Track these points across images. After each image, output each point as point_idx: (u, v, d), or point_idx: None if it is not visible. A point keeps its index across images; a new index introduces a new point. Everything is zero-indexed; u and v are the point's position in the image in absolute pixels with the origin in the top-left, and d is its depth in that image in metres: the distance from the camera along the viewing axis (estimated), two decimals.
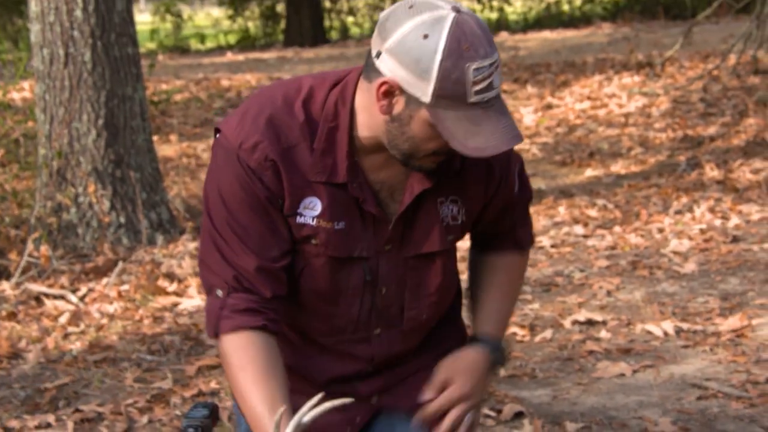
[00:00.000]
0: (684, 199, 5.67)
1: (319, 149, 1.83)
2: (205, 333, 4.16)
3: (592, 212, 5.62)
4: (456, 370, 1.96)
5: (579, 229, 5.31)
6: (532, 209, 6.02)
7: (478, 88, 1.72)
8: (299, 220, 1.85)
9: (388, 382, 2.03)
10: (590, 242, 5.10)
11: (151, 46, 18.43)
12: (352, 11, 19.53)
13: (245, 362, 1.82)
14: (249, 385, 1.81)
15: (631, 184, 6.20)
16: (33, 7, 5.26)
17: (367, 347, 1.98)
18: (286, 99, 1.86)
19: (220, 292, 1.85)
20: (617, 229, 5.27)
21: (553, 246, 5.10)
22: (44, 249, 4.80)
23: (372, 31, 16.50)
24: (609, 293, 4.29)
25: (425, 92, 1.72)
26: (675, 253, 4.76)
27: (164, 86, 11.10)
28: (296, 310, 1.94)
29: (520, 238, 2.10)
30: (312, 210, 1.85)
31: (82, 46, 5.23)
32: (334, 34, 18.47)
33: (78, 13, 5.20)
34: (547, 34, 15.09)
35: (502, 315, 2.07)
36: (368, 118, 1.82)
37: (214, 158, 1.87)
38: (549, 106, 8.91)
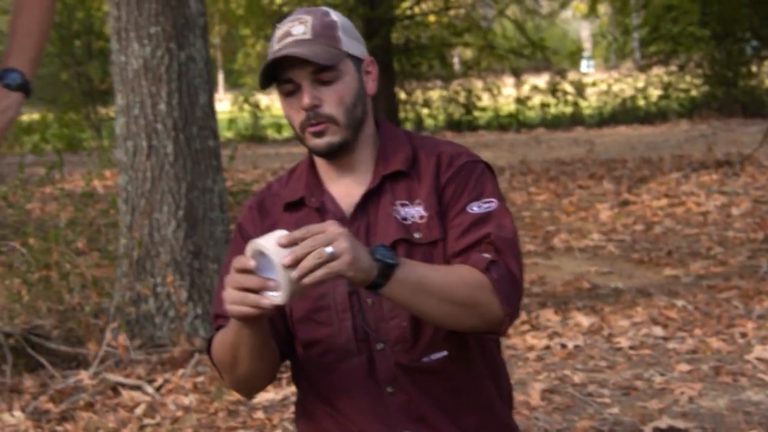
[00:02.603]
0: (767, 303, 5.55)
1: (289, 183, 2.17)
2: (279, 428, 4.14)
3: (672, 313, 5.52)
4: None
5: (658, 331, 5.21)
6: (609, 307, 5.83)
7: (279, 37, 2.06)
8: None
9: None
10: (670, 345, 5.00)
11: (229, 134, 18.76)
12: (426, 103, 19.74)
13: (216, 344, 2.09)
14: (221, 338, 2.07)
15: (711, 285, 6.09)
16: (119, 100, 5.38)
17: (373, 367, 2.06)
18: None
19: (215, 329, 2.15)
20: (698, 331, 5.16)
21: (631, 347, 5.01)
22: (122, 339, 4.83)
23: (445, 123, 16.67)
24: (691, 399, 4.19)
25: None
26: (759, 359, 4.64)
27: (242, 176, 11.26)
28: (310, 356, 2.10)
29: (477, 259, 2.00)
30: None
31: (165, 139, 5.32)
32: (408, 125, 18.65)
33: (162, 106, 5.30)
34: (622, 130, 15.09)
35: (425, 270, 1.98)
36: None
37: None
38: (625, 203, 8.85)
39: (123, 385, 4.63)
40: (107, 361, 4.83)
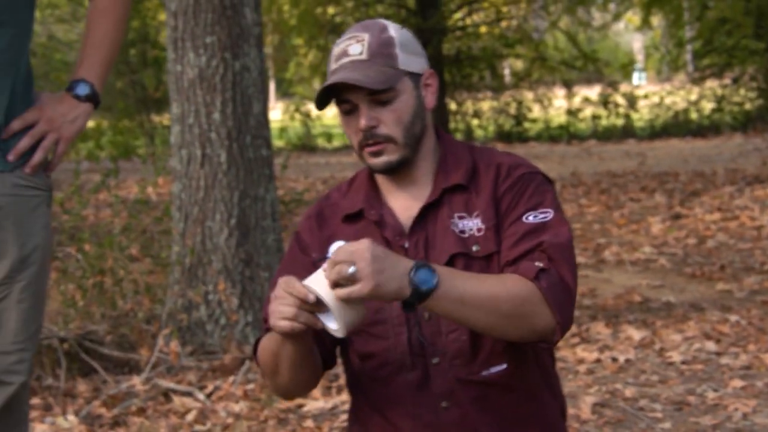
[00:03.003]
0: None
1: (349, 193, 2.16)
2: None
3: (725, 328, 5.46)
4: None
5: (711, 346, 5.15)
6: (660, 321, 5.76)
7: (336, 56, 2.06)
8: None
9: None
10: (723, 360, 4.94)
11: (280, 143, 18.85)
12: (477, 114, 19.70)
13: (261, 348, 2.10)
14: (265, 343, 2.09)
15: (766, 301, 6.02)
16: (174, 109, 5.44)
17: (429, 382, 2.05)
18: None
19: (264, 331, 2.17)
20: (752, 347, 5.10)
21: (683, 362, 4.96)
22: (174, 345, 4.87)
23: (495, 134, 16.64)
24: (745, 416, 4.14)
25: None
26: None
27: (292, 184, 11.32)
28: (365, 368, 2.11)
29: (527, 268, 1.98)
30: None
31: (219, 147, 5.36)
32: (458, 136, 18.62)
33: (216, 115, 5.35)
34: (674, 143, 14.95)
35: (463, 277, 1.96)
36: None
37: None
38: (678, 216, 8.77)
39: (174, 392, 4.67)
40: (159, 367, 4.87)
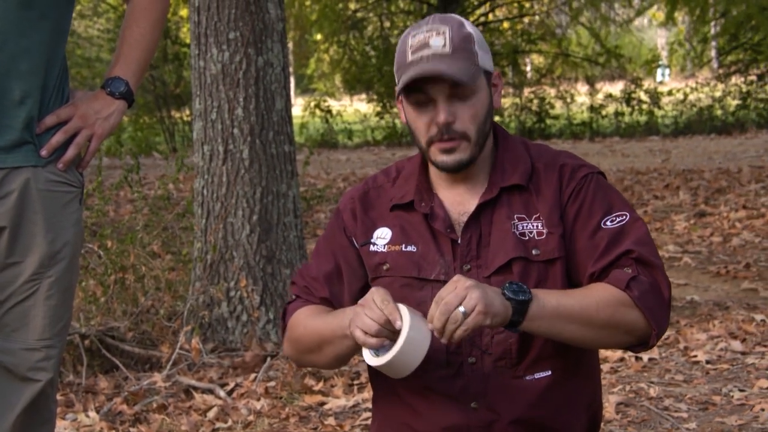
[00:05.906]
0: None
1: (398, 180, 2.13)
2: None
3: (750, 327, 5.40)
4: None
5: (737, 345, 5.10)
6: (685, 320, 5.70)
7: (414, 47, 1.99)
8: (371, 248, 2.10)
9: None
10: (749, 360, 4.89)
11: (299, 140, 18.82)
12: (498, 111, 19.61)
13: (301, 320, 2.10)
14: (312, 321, 2.08)
15: None
16: (197, 105, 5.42)
17: (462, 381, 2.02)
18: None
19: (293, 296, 2.20)
20: None
21: (708, 362, 4.91)
22: (195, 342, 4.85)
23: (517, 131, 16.51)
24: None
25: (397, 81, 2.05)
26: None
27: (312, 181, 11.30)
28: None
29: (617, 277, 1.97)
30: (383, 239, 2.09)
31: (241, 143, 5.34)
32: None
33: (239, 111, 5.32)
34: (699, 140, 14.85)
35: (557, 297, 1.95)
36: None
37: None
38: (702, 214, 8.70)
39: (195, 389, 4.65)
40: (180, 364, 4.86)
